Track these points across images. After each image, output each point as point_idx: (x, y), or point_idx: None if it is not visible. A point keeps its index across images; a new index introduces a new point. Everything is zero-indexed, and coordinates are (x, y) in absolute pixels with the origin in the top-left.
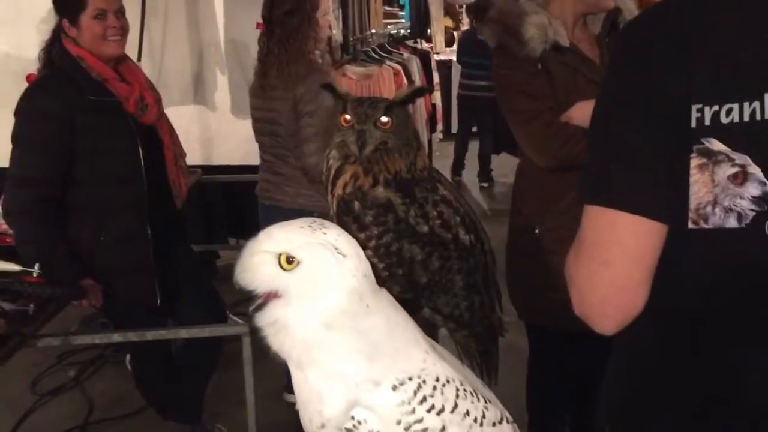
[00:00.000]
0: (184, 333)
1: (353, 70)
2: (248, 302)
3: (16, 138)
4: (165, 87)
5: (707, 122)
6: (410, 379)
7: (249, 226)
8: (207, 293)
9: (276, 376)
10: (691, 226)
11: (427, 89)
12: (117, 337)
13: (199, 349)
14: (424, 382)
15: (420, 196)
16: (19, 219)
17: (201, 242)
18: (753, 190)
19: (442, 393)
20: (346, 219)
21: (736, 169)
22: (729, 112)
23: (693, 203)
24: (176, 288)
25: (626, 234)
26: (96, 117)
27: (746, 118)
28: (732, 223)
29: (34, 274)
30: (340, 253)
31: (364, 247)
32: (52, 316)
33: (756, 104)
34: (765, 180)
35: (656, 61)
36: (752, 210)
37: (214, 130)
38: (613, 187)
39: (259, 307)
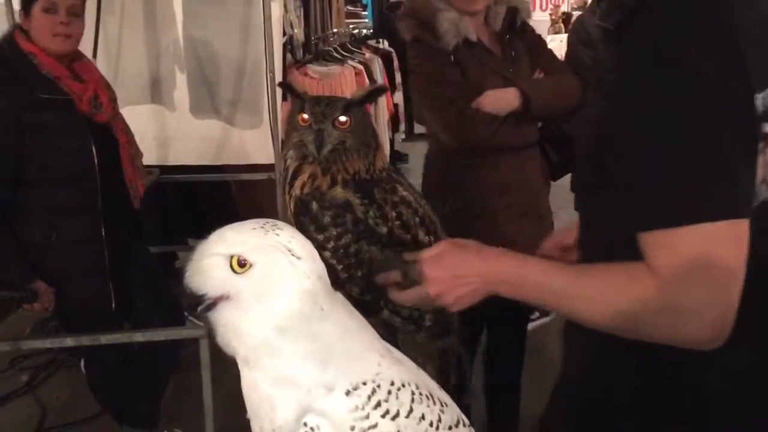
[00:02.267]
0: (139, 336)
1: (315, 70)
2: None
3: None
4: (122, 85)
5: (761, 108)
6: (364, 383)
7: (208, 227)
8: (164, 295)
9: (234, 378)
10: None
11: (385, 88)
12: (69, 341)
13: (156, 352)
14: (378, 386)
15: (379, 196)
16: None
17: (159, 243)
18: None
19: (397, 397)
20: (304, 220)
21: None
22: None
23: (756, 186)
24: (132, 290)
25: (744, 239)
26: (46, 115)
27: None
28: (765, 193)
29: None
30: (293, 255)
31: (322, 249)
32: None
33: None
34: None
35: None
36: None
37: (172, 130)
38: (722, 198)
39: (208, 308)
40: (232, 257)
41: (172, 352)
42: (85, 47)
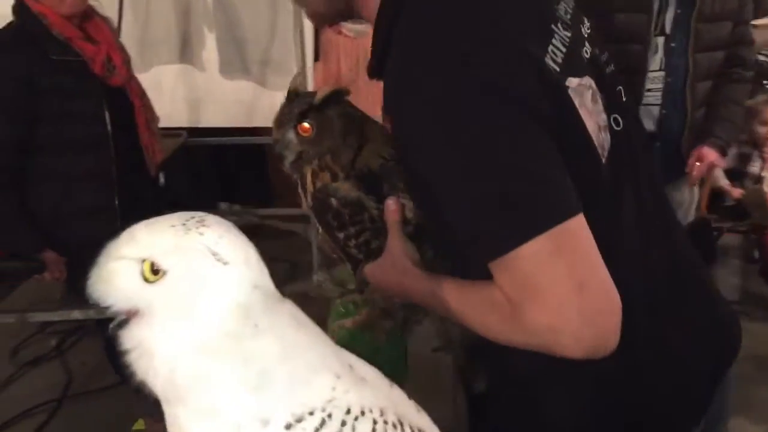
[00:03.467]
0: None
1: (350, 28)
2: None
3: None
4: (150, 45)
5: (556, 67)
6: (311, 413)
7: (239, 190)
8: None
9: None
10: (603, 161)
11: (348, 91)
12: (77, 314)
13: None
14: (329, 416)
15: (387, 193)
16: None
17: (188, 208)
18: (600, 100)
19: (354, 428)
20: (327, 218)
21: (590, 91)
22: (554, 51)
23: (595, 140)
24: None
25: (584, 236)
26: (59, 78)
27: (562, 48)
28: (608, 137)
29: None
30: (220, 260)
31: (347, 246)
32: (10, 290)
33: (556, 34)
34: (597, 88)
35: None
36: (605, 118)
37: (201, 91)
38: (544, 206)
39: (121, 325)
40: (143, 262)
41: None
42: (110, 6)
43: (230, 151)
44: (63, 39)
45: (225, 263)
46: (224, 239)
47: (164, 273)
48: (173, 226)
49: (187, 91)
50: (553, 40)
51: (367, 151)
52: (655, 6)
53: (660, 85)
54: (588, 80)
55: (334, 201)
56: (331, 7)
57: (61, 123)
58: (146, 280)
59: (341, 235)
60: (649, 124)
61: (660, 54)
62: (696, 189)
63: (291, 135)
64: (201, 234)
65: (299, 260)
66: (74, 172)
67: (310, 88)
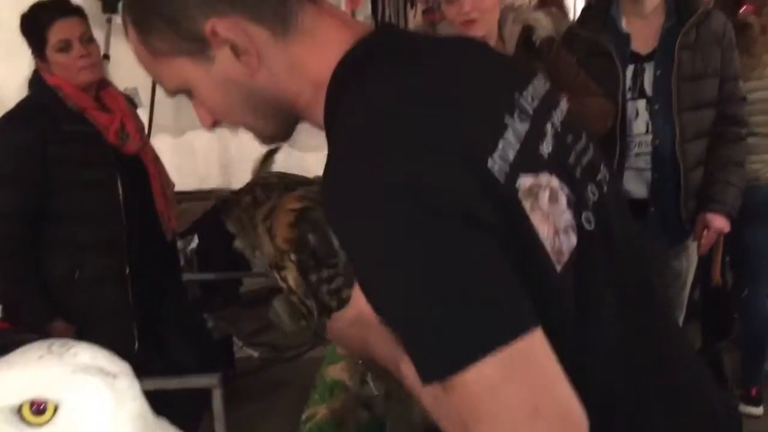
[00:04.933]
0: (148, 384)
1: None
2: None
3: None
4: (184, 107)
5: (506, 168)
6: None
7: None
8: (195, 334)
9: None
10: (558, 269)
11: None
12: None
13: (182, 396)
14: None
15: None
16: None
17: (223, 269)
18: (563, 199)
19: None
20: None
21: (548, 191)
22: (505, 148)
23: (548, 246)
24: (162, 329)
25: (540, 354)
26: (72, 148)
27: (516, 143)
28: (573, 239)
29: None
30: (108, 374)
31: (317, 292)
32: None
33: (510, 127)
34: (563, 184)
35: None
36: (570, 217)
37: (234, 152)
38: (495, 318)
39: None
40: (21, 407)
41: (197, 396)
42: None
43: None
44: (77, 110)
45: (114, 376)
46: (100, 354)
47: (55, 408)
48: (41, 357)
49: (220, 154)
50: (506, 134)
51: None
52: (629, 71)
53: (648, 149)
54: (546, 178)
55: (312, 237)
56: (281, 126)
57: (72, 192)
58: (30, 423)
59: (314, 278)
60: (641, 190)
61: (645, 117)
62: (695, 255)
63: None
64: (75, 355)
65: None
66: (86, 241)
67: None
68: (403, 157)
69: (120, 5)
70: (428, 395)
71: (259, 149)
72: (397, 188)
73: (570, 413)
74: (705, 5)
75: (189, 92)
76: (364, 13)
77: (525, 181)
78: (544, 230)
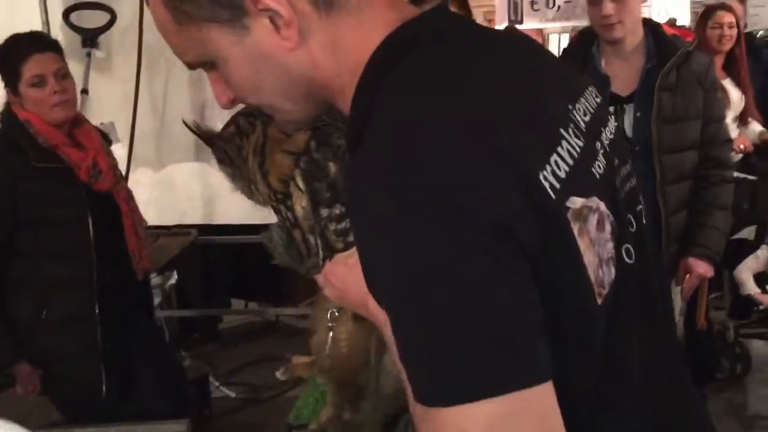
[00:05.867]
0: (114, 430)
1: None
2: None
3: None
4: (167, 142)
5: (557, 184)
6: None
7: (255, 288)
8: (167, 376)
9: None
10: (599, 301)
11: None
12: None
13: None
14: None
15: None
16: None
17: (201, 306)
18: (608, 227)
19: None
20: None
21: (597, 215)
22: (557, 163)
23: (591, 275)
24: (132, 369)
25: (544, 411)
26: (42, 185)
27: (570, 160)
28: (614, 272)
29: None
30: None
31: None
32: None
33: (564, 143)
34: (609, 212)
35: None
36: (612, 248)
37: (215, 188)
38: (507, 362)
39: None
40: None
41: None
42: (127, 103)
43: (246, 249)
44: (48, 146)
45: None
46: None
47: None
48: None
49: (202, 189)
50: (559, 149)
51: None
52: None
53: None
54: (596, 202)
55: (332, 166)
56: (311, 110)
57: (41, 229)
58: None
59: (325, 213)
60: None
61: None
62: (678, 299)
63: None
64: None
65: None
66: (54, 279)
67: None
68: (439, 163)
69: (99, 41)
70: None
71: None
72: (430, 198)
73: None
74: (687, 46)
75: (212, 64)
76: None
77: (576, 202)
78: (589, 258)
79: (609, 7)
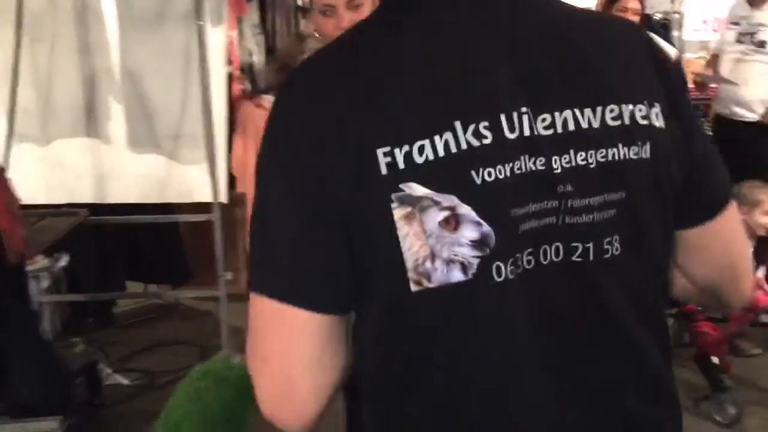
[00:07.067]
0: None
1: (270, 100)
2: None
3: None
4: (53, 116)
5: (401, 165)
6: None
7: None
8: (42, 363)
9: None
10: (414, 288)
11: None
12: None
13: None
14: None
15: None
16: None
17: (95, 290)
18: (469, 233)
19: None
20: None
21: (446, 213)
22: (422, 149)
23: (409, 261)
24: (2, 362)
25: (288, 328)
26: None
27: (441, 152)
28: (457, 275)
29: None
30: None
31: None
32: None
33: (448, 135)
34: (479, 220)
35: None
36: (475, 257)
37: (108, 166)
38: (274, 275)
39: None
40: None
41: None
42: (4, 75)
43: (143, 230)
44: None
45: None
46: None
47: None
48: None
49: (93, 166)
50: (436, 139)
51: None
52: None
53: None
54: (452, 201)
55: None
56: None
57: None
58: None
59: None
60: None
61: None
62: None
63: None
64: None
65: (210, 344)
66: None
67: (222, 160)
68: (286, 116)
69: None
70: None
71: (135, 165)
72: (273, 140)
73: (293, 392)
74: None
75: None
76: (251, 21)
77: (416, 189)
78: (412, 244)
79: None
